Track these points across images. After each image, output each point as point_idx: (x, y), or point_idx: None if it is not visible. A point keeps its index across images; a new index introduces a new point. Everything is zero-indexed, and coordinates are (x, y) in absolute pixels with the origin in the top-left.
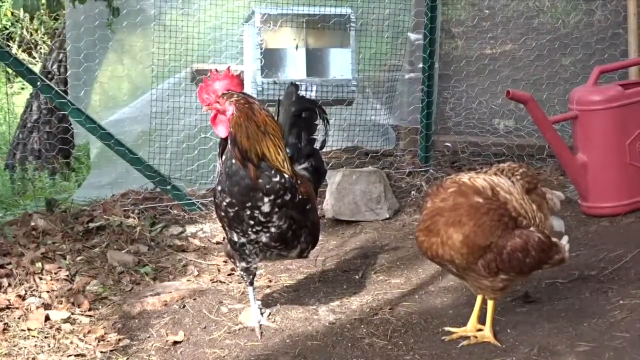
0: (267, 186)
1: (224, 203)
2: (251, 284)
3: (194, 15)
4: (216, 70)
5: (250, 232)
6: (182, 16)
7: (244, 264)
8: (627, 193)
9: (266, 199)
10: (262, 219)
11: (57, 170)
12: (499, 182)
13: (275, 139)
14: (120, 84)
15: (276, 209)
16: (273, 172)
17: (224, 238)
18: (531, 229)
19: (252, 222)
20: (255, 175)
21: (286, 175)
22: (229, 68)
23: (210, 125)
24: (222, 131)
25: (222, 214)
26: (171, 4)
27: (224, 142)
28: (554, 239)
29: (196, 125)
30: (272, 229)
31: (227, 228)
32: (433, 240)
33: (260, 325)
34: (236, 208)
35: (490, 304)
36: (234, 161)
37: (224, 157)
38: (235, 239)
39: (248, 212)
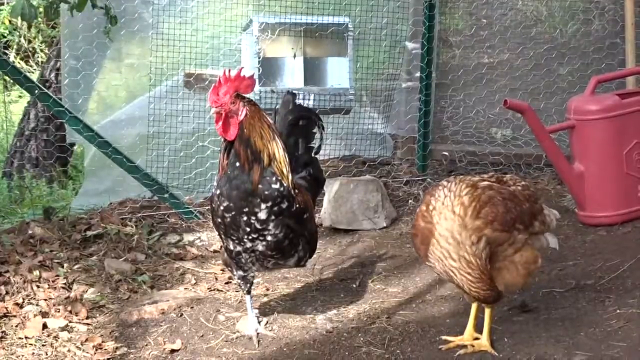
0: (266, 192)
1: (221, 207)
2: (248, 292)
3: (192, 24)
4: (229, 70)
5: (246, 240)
6: (180, 25)
7: (241, 273)
8: (624, 202)
9: (263, 206)
10: (258, 226)
11: (55, 179)
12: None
13: (281, 141)
14: (117, 92)
15: (272, 217)
16: (274, 179)
17: (221, 247)
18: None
19: (248, 229)
20: (258, 180)
21: (285, 184)
22: (241, 69)
23: (209, 132)
24: (232, 133)
25: (219, 220)
26: (169, 12)
27: (229, 146)
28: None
29: (194, 133)
30: (269, 238)
31: (223, 236)
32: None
33: (258, 333)
34: (233, 213)
35: (487, 312)
36: (237, 164)
37: (226, 161)
38: (231, 247)
39: (245, 218)
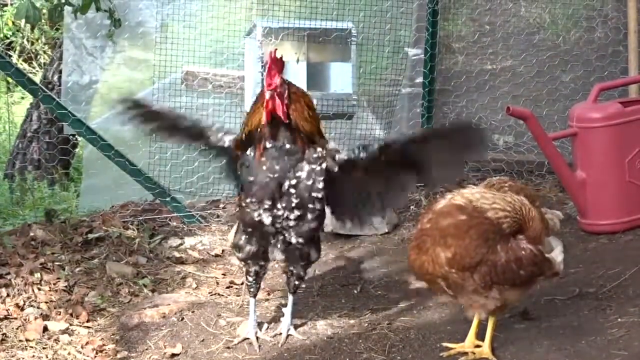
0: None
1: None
2: (254, 296)
3: (196, 28)
4: (275, 50)
5: (279, 207)
6: (184, 28)
7: (256, 268)
8: (626, 211)
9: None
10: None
11: (56, 181)
12: (481, 196)
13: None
14: (120, 94)
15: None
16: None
17: (233, 245)
18: (523, 241)
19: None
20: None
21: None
22: (275, 50)
23: None
24: (284, 113)
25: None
26: (173, 16)
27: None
28: (547, 255)
29: None
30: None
31: (248, 202)
32: (424, 259)
33: (258, 338)
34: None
35: (490, 320)
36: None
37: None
38: (265, 219)
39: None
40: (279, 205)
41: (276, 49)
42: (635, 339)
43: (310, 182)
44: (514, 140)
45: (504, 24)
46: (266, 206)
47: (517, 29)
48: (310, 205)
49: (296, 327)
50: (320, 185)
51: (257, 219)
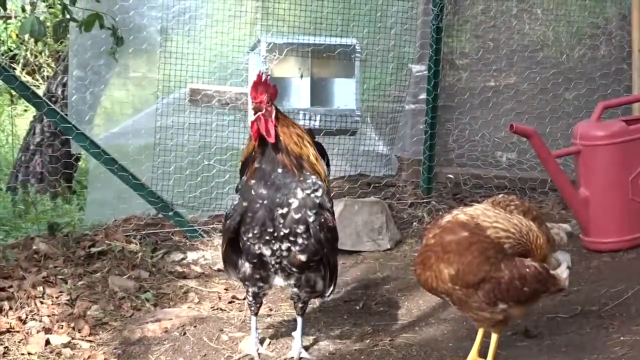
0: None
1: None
2: (256, 314)
3: (200, 43)
4: (264, 74)
5: (276, 237)
6: (188, 43)
7: (255, 289)
8: (629, 229)
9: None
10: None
11: (59, 194)
12: (483, 214)
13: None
14: (123, 108)
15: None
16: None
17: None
18: (528, 259)
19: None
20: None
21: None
22: (267, 77)
23: (215, 151)
24: (272, 134)
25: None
26: (177, 31)
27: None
28: (552, 271)
29: (199, 151)
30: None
31: (249, 237)
32: (428, 274)
33: (260, 354)
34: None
35: (493, 337)
36: (279, 171)
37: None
38: (265, 252)
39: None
40: (275, 234)
41: (268, 71)
42: (637, 358)
43: (298, 215)
44: (517, 157)
45: (507, 41)
46: (265, 240)
47: (521, 46)
48: (292, 239)
49: (307, 348)
50: (311, 218)
51: (257, 252)
